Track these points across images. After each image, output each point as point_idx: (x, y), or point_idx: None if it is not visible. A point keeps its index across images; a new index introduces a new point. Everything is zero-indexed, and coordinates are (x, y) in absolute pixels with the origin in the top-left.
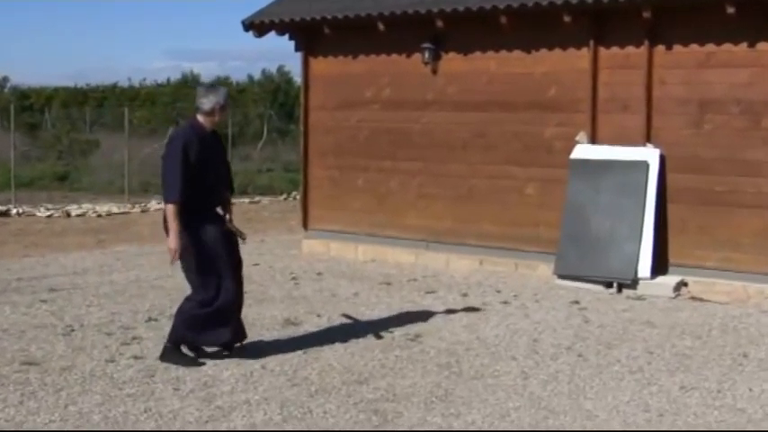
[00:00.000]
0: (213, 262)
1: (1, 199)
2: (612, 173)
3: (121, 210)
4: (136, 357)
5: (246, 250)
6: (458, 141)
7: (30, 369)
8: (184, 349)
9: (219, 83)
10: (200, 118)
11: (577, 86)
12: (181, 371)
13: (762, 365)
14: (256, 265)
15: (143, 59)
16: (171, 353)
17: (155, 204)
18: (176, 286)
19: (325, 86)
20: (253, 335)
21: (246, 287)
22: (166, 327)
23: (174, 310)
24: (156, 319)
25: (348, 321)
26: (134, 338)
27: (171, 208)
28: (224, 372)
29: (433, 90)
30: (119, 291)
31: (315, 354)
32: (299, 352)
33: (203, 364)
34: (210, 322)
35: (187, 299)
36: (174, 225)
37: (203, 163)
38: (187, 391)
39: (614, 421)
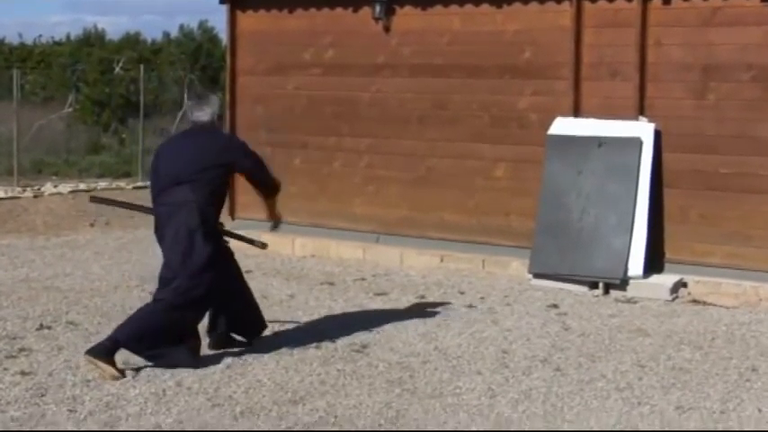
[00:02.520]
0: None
1: None
2: (598, 152)
3: (9, 194)
4: (24, 373)
5: None
6: (414, 113)
7: None
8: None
9: (129, 40)
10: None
11: (557, 48)
12: (78, 389)
13: None
14: None
15: (37, 12)
16: (101, 352)
17: (50, 188)
18: (74, 287)
19: (256, 46)
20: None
21: None
22: (61, 336)
23: (72, 315)
24: (49, 327)
25: (281, 329)
26: (21, 350)
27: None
28: (131, 390)
29: (384, 52)
30: (4, 292)
31: (240, 368)
32: (222, 366)
33: (125, 376)
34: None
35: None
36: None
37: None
38: (85, 414)
39: None
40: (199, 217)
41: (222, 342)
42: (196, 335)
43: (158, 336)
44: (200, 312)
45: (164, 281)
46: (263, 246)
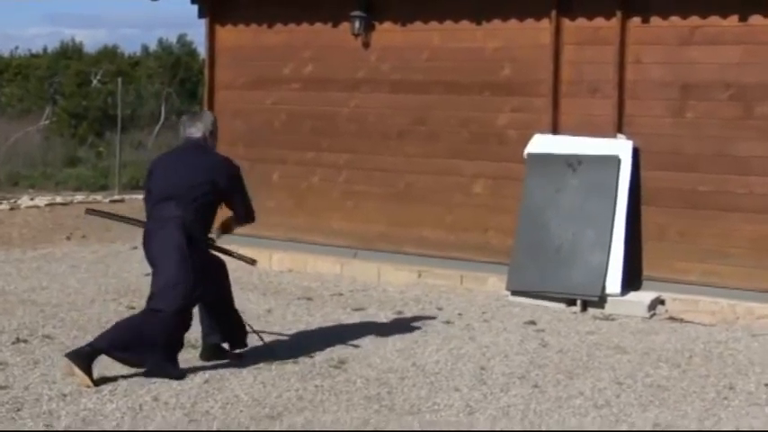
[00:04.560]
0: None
1: None
2: (577, 169)
3: None
4: None
5: (136, 257)
6: (393, 129)
7: None
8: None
9: (107, 52)
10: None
11: (536, 65)
12: (55, 403)
13: (750, 399)
14: (149, 275)
15: (14, 24)
16: (81, 357)
17: (27, 201)
18: (50, 301)
19: (235, 61)
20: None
21: (137, 301)
22: (38, 350)
23: (48, 329)
24: (25, 341)
25: (259, 344)
26: None
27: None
28: (107, 404)
29: (364, 67)
30: None
31: (218, 383)
32: (199, 381)
33: (96, 386)
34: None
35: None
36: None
37: None
38: (62, 428)
39: None
40: (184, 232)
41: (213, 353)
42: (181, 344)
43: (147, 344)
44: (187, 323)
45: (155, 293)
46: (253, 262)
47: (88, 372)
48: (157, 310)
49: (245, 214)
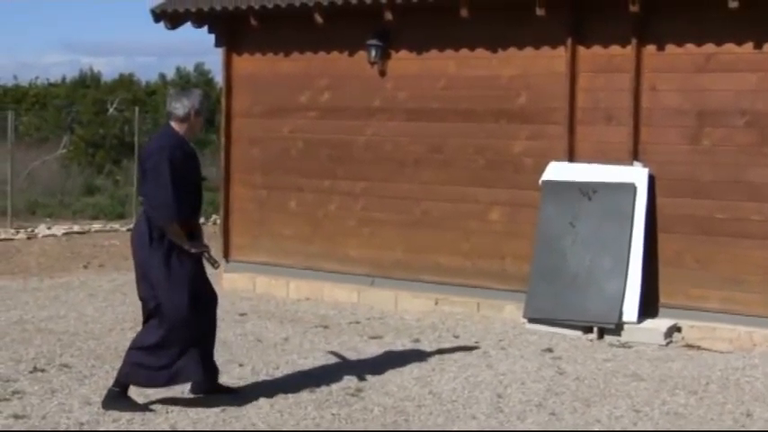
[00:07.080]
0: (197, 295)
1: None
2: (593, 197)
3: (2, 236)
4: (17, 417)
5: None
6: (409, 157)
7: None
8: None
9: (124, 81)
10: (174, 126)
11: (552, 93)
12: None
13: None
14: None
15: (32, 53)
16: (115, 399)
17: (44, 229)
18: (68, 329)
19: (252, 89)
20: (161, 388)
21: None
22: (55, 379)
23: (66, 358)
24: (42, 370)
25: (275, 372)
26: (15, 393)
27: (173, 226)
28: None
29: (380, 95)
30: None
31: (235, 412)
32: (216, 410)
33: (152, 410)
34: (176, 361)
35: (147, 332)
36: (183, 237)
37: (188, 178)
38: None
39: None
40: (148, 224)
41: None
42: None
43: (160, 355)
44: (192, 319)
45: (145, 297)
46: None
47: (134, 406)
48: (153, 309)
49: (155, 215)
